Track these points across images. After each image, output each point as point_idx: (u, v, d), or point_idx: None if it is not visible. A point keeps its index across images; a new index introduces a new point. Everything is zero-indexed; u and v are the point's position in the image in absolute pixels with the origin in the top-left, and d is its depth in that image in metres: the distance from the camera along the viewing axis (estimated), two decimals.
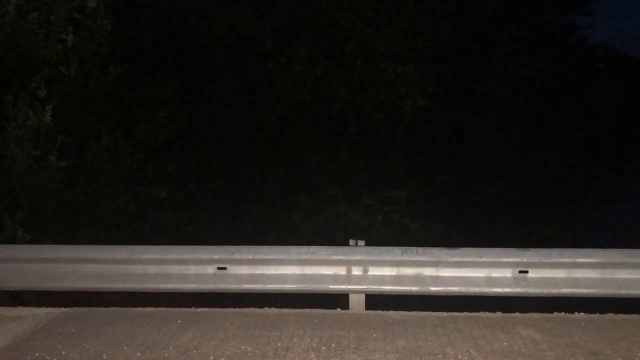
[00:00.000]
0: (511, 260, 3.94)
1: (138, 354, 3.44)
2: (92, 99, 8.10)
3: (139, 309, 4.17)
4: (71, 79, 7.06)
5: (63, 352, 3.46)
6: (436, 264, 3.98)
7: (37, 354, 3.45)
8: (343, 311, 4.12)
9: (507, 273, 3.98)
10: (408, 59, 12.70)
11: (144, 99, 10.06)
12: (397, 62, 12.70)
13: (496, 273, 3.98)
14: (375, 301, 4.18)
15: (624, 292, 3.86)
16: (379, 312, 4.07)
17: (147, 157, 9.47)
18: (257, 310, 4.13)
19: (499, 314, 4.01)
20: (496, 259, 3.94)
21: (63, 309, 4.17)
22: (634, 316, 3.92)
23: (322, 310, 4.09)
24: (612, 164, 17.35)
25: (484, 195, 12.37)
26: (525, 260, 3.93)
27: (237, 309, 4.13)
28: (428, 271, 4.01)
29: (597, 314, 3.98)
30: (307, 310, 4.09)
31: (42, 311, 4.15)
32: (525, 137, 15.27)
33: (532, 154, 14.75)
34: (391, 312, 4.05)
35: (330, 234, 10.40)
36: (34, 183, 6.50)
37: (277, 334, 3.69)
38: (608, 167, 17.03)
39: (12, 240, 5.91)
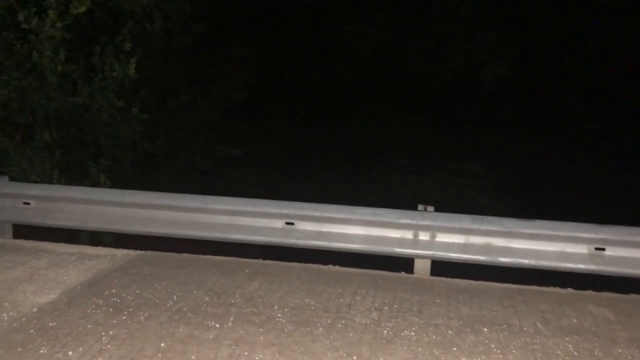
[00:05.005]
0: (587, 236, 3.77)
1: (206, 298, 3.57)
2: (173, 55, 8.37)
3: (209, 256, 4.32)
4: (154, 35, 7.32)
5: (137, 291, 3.66)
6: (507, 235, 3.87)
7: (113, 290, 3.66)
8: (407, 275, 4.10)
9: (583, 249, 3.81)
10: (491, 26, 12.18)
11: (223, 59, 10.27)
12: (478, 29, 12.21)
13: (570, 248, 3.82)
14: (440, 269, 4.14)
15: None
16: (444, 278, 4.02)
17: (223, 116, 9.74)
18: (322, 266, 4.18)
19: (569, 290, 3.86)
20: (571, 234, 3.78)
21: (139, 252, 4.39)
22: None
23: (386, 272, 4.08)
24: None
25: (565, 176, 11.78)
26: (602, 237, 3.75)
27: (302, 264, 4.20)
28: (498, 241, 3.91)
29: None
30: (371, 271, 4.09)
31: (119, 252, 4.39)
32: (615, 119, 14.31)
33: (621, 138, 13.79)
34: (456, 280, 3.98)
35: (396, 204, 10.25)
36: (117, 134, 6.84)
37: (340, 290, 3.72)
38: None
39: (95, 186, 6.26)
